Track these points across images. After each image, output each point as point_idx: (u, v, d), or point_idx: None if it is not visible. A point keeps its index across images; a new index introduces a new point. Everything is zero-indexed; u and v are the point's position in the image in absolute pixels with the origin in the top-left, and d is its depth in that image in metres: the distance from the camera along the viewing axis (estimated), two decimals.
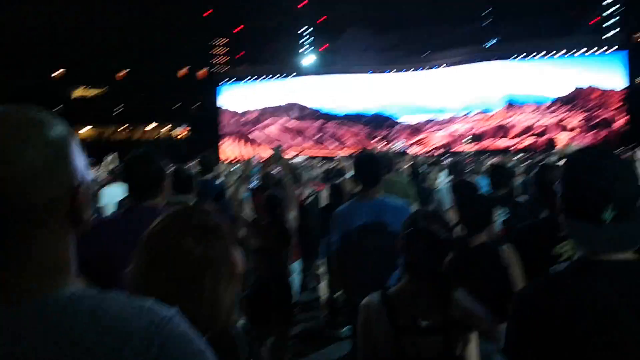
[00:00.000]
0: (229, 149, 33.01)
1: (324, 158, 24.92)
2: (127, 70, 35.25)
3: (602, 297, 1.25)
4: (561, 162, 1.66)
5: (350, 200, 3.56)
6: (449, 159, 9.97)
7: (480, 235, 2.69)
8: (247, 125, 32.81)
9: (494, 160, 10.52)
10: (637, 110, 27.02)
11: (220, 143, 32.90)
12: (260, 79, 31.62)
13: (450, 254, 1.94)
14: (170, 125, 32.88)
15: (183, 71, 32.05)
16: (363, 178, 3.26)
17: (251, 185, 6.14)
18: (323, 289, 5.94)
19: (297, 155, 28.35)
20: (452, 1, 28.56)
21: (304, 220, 5.35)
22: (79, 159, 0.84)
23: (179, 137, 33.82)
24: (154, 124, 34.80)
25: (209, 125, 32.27)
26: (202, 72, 32.69)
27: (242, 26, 30.08)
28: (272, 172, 6.17)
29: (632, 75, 27.62)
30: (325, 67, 30.61)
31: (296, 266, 4.99)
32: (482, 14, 29.47)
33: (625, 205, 1.28)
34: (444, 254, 1.90)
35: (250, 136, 32.73)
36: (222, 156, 31.85)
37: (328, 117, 31.16)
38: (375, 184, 3.23)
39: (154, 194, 2.31)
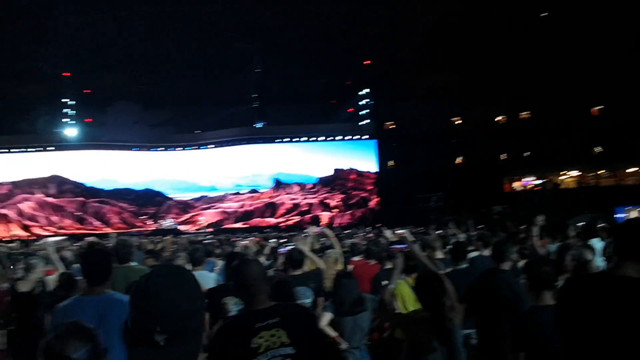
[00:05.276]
0: None
1: (84, 236, 23.09)
2: None
3: None
4: None
5: (75, 296, 3.36)
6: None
7: None
8: None
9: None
10: (385, 191, 30.07)
11: None
12: (14, 149, 28.75)
13: None
14: None
15: None
16: (88, 275, 3.16)
17: None
18: None
19: (53, 234, 25.91)
20: (223, 83, 29.35)
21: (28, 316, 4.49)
22: None
23: None
24: None
25: None
26: None
27: None
28: None
29: (381, 161, 30.86)
30: (91, 140, 29.02)
31: None
32: (251, 97, 30.77)
33: (176, 326, 1.27)
34: None
35: (0, 212, 29.25)
36: None
37: (92, 193, 29.29)
38: (101, 282, 3.11)
39: None
